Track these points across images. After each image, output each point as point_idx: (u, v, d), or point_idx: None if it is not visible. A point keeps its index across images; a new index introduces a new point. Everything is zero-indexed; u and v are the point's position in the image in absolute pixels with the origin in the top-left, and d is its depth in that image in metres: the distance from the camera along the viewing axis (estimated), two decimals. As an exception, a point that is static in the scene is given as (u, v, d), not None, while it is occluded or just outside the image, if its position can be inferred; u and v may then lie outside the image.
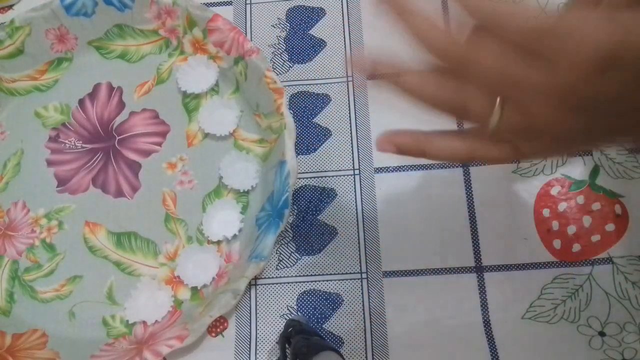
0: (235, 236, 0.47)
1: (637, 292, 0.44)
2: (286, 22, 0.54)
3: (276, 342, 0.45)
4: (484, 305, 0.45)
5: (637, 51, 0.22)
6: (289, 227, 0.48)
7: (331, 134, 0.50)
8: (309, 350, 0.37)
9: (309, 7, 0.55)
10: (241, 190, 0.49)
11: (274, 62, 0.53)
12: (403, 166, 0.49)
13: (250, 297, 0.46)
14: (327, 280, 0.46)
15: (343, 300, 0.46)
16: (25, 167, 0.52)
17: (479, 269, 0.46)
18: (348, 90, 0.51)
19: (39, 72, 0.54)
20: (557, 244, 0.46)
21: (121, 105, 0.53)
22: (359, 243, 0.47)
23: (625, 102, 0.24)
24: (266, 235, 0.44)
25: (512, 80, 0.25)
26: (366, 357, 0.44)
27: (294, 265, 0.47)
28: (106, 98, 0.53)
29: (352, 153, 0.50)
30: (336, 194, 0.49)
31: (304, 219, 0.48)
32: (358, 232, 0.48)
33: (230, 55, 0.50)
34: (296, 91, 0.52)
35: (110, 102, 0.53)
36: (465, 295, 0.45)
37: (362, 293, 0.46)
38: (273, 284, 0.47)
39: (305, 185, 0.49)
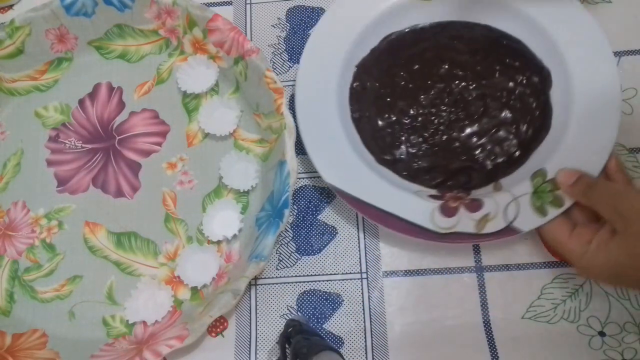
0: (235, 236, 0.47)
1: (637, 292, 0.44)
2: (286, 22, 0.54)
3: (276, 342, 0.45)
4: (484, 305, 0.45)
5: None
6: (289, 227, 0.48)
7: (331, 134, 0.50)
8: (309, 350, 0.37)
9: (309, 7, 0.55)
10: (241, 190, 0.49)
11: (274, 62, 0.53)
12: (403, 166, 0.49)
13: (250, 297, 0.46)
14: (327, 280, 0.46)
15: (343, 300, 0.46)
16: (25, 167, 0.52)
17: (479, 269, 0.46)
18: (348, 90, 0.51)
19: (39, 72, 0.54)
20: (557, 244, 0.46)
21: (121, 105, 0.53)
22: (359, 243, 0.47)
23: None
24: (266, 235, 0.44)
25: None
26: (366, 357, 0.44)
27: (294, 265, 0.47)
28: (106, 98, 0.53)
29: (352, 153, 0.49)
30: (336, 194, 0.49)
31: (304, 219, 0.48)
32: (358, 232, 0.48)
33: (230, 55, 0.50)
34: (296, 91, 0.52)
35: (110, 102, 0.53)
36: (465, 295, 0.45)
37: (362, 293, 0.46)
38: (273, 284, 0.47)
39: (305, 185, 0.49)
